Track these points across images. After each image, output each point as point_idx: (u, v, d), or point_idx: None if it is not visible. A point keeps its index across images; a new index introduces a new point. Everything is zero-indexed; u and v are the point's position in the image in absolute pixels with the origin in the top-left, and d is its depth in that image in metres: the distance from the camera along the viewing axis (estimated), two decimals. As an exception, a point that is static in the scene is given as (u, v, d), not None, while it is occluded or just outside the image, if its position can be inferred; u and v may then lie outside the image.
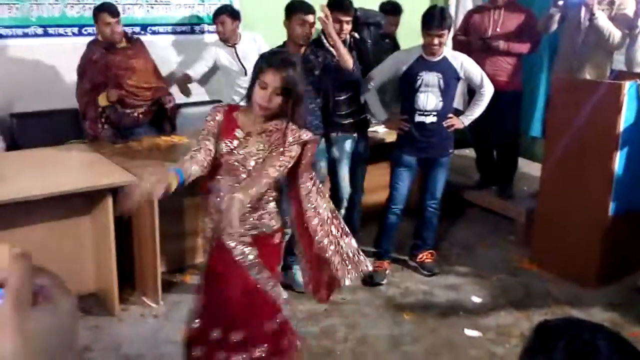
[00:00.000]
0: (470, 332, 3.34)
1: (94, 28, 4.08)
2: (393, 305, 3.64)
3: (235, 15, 4.52)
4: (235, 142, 2.32)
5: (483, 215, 4.84)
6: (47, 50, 4.31)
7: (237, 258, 2.37)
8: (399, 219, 3.95)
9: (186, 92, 4.55)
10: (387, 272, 3.94)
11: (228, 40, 4.54)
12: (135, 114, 4.12)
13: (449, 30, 3.70)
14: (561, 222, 3.92)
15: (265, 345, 2.43)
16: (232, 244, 2.37)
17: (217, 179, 2.37)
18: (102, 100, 3.97)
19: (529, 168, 4.90)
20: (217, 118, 2.35)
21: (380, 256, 3.98)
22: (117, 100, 3.99)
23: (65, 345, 0.61)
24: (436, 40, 3.57)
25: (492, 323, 3.42)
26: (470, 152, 5.16)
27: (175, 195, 3.68)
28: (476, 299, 3.72)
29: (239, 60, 4.52)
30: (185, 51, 4.85)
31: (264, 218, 2.39)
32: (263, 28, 4.71)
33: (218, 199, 2.36)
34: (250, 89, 2.31)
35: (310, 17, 3.51)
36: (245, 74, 4.43)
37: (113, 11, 3.97)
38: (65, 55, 4.29)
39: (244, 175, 2.31)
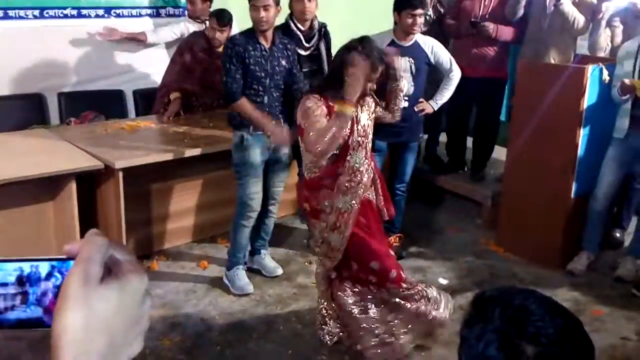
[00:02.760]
0: (436, 313, 3.38)
1: (55, 11, 4.00)
2: (361, 288, 3.66)
3: None
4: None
5: (451, 199, 4.90)
6: (8, 33, 4.20)
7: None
8: (367, 203, 3.97)
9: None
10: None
11: (198, 17, 4.54)
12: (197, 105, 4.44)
13: (426, 8, 3.73)
14: (525, 205, 3.99)
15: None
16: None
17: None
18: (172, 95, 4.22)
19: (495, 152, 4.96)
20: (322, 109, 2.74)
21: (349, 240, 4.00)
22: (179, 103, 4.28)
23: (131, 324, 0.59)
24: (418, 20, 3.58)
25: (458, 304, 3.45)
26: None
27: (142, 181, 3.68)
28: (443, 281, 3.77)
29: (208, 39, 4.48)
30: (149, 35, 4.77)
31: None
32: (237, 9, 4.66)
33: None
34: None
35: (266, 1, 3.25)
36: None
37: (223, 20, 4.11)
38: (26, 39, 4.19)
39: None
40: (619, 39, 4.23)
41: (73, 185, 3.18)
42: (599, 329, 3.26)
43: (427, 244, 4.26)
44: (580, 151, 3.74)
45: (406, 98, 3.71)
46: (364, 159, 2.84)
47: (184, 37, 4.48)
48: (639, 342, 3.17)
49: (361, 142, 2.81)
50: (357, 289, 2.93)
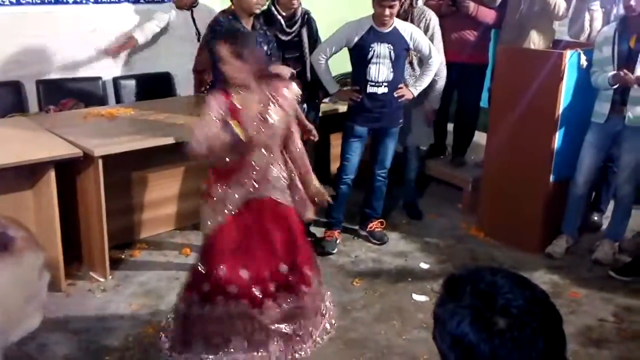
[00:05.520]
0: (418, 297, 3.43)
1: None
2: (344, 273, 3.69)
3: None
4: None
5: (432, 184, 4.94)
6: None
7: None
8: (350, 189, 3.99)
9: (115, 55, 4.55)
10: (337, 241, 3.98)
11: (184, 6, 4.48)
12: None
13: (400, 0, 3.72)
14: (505, 190, 4.03)
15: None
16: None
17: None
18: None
19: (476, 137, 4.99)
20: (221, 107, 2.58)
21: (331, 226, 4.02)
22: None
23: (27, 297, 0.60)
24: (387, 12, 3.58)
25: (438, 288, 3.50)
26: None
27: (122, 169, 3.66)
28: (424, 266, 3.80)
29: (195, 25, 4.45)
30: (129, 22, 4.72)
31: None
32: None
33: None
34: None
35: None
36: (199, 39, 4.36)
37: None
38: (3, 25, 4.13)
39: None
40: (597, 23, 4.26)
41: (52, 174, 3.15)
42: (577, 311, 3.32)
43: (408, 229, 4.29)
44: (558, 136, 3.78)
45: (385, 84, 3.73)
46: (271, 156, 2.71)
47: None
48: (615, 324, 3.23)
49: (267, 140, 2.66)
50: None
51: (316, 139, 3.64)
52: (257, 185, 2.70)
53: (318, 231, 4.09)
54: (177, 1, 4.50)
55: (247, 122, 2.59)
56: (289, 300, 2.79)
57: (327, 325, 3.02)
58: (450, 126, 4.94)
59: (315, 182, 2.94)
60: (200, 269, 2.74)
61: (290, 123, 2.78)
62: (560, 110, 3.73)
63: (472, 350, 0.97)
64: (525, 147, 3.87)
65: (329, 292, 3.14)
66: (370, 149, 4.03)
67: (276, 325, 2.76)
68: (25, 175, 3.25)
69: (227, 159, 2.65)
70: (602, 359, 2.98)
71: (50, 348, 2.87)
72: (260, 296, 2.72)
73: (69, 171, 3.36)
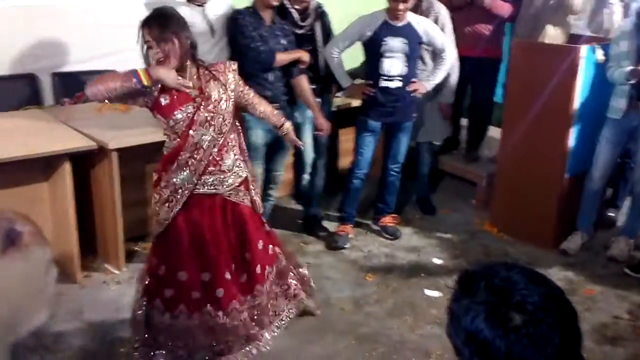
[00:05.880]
0: (430, 293, 3.42)
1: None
2: (356, 268, 3.69)
3: None
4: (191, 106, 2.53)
5: (446, 179, 4.92)
6: (0, 13, 4.15)
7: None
8: (363, 184, 3.98)
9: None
10: (350, 236, 3.98)
11: (195, 1, 4.46)
12: None
13: None
14: (520, 185, 4.00)
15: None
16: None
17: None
18: None
19: (490, 132, 4.96)
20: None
21: (344, 220, 4.02)
22: None
23: (35, 292, 0.60)
24: (401, 6, 3.56)
25: (452, 284, 3.49)
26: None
27: (137, 161, 3.67)
28: (437, 261, 3.79)
29: (208, 19, 4.43)
30: (145, 14, 4.73)
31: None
32: None
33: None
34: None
35: None
36: (213, 35, 4.36)
37: None
38: (18, 18, 4.15)
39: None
40: (617, 17, 4.20)
41: (67, 166, 3.18)
42: (592, 308, 3.30)
43: (421, 224, 4.28)
44: (573, 131, 3.75)
45: (399, 78, 3.71)
46: (219, 138, 2.56)
47: None
48: (630, 321, 3.21)
49: (209, 118, 2.53)
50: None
51: (327, 134, 3.65)
52: (202, 168, 2.54)
53: (331, 226, 4.09)
54: None
55: (181, 100, 2.52)
56: (248, 299, 2.73)
57: (302, 296, 3.00)
58: (464, 121, 4.92)
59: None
60: (159, 272, 2.64)
61: (242, 95, 2.71)
62: (576, 105, 3.69)
63: (487, 346, 0.97)
64: (540, 142, 3.84)
65: (299, 270, 3.07)
66: (383, 143, 4.02)
67: (242, 325, 2.68)
68: (41, 167, 3.28)
69: (173, 144, 2.57)
70: (617, 356, 2.96)
71: (65, 339, 2.90)
72: (224, 298, 2.63)
73: (84, 164, 3.39)
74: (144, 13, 4.63)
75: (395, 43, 3.65)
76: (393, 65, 3.68)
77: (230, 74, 2.64)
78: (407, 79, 3.73)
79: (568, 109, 3.69)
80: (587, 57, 3.63)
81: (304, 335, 3.01)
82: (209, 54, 4.23)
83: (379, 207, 4.13)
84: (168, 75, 2.47)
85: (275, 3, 3.37)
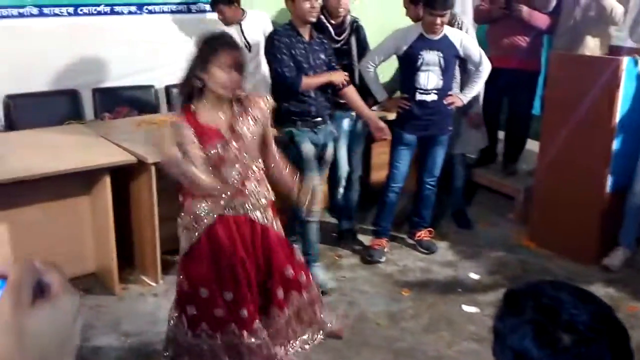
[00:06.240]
0: (468, 308, 3.37)
1: (89, 8, 4.06)
2: (392, 282, 3.66)
3: (230, 0, 4.48)
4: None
5: (482, 193, 4.85)
6: (43, 30, 4.28)
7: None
8: (398, 197, 3.96)
9: None
10: (385, 250, 3.96)
11: (232, 23, 4.53)
12: None
13: (452, 9, 3.69)
14: (559, 200, 3.93)
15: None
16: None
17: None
18: None
19: (528, 145, 4.89)
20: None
21: (379, 234, 4.00)
22: None
23: (61, 345, 0.62)
24: (439, 20, 3.55)
25: (489, 299, 3.44)
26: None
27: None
28: (474, 276, 3.74)
29: (244, 37, 4.50)
30: (182, 31, 4.82)
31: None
32: (262, 8, 4.68)
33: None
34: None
35: None
36: (250, 50, 4.41)
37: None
38: (61, 36, 4.27)
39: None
40: None
41: (107, 180, 3.23)
42: (635, 326, 3.20)
43: (457, 239, 4.23)
44: (615, 145, 3.67)
45: (435, 91, 3.69)
46: (245, 171, 2.53)
47: None
48: (676, 340, 3.10)
49: (238, 154, 2.48)
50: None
51: (389, 137, 3.62)
52: (230, 200, 2.53)
53: (365, 239, 4.07)
54: (224, 20, 4.50)
55: (212, 137, 2.45)
56: (264, 320, 2.70)
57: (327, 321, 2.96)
58: (501, 134, 4.86)
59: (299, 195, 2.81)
60: (184, 288, 2.65)
61: (266, 135, 2.63)
62: (618, 118, 3.61)
63: None
64: (580, 155, 3.76)
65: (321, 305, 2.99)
66: (419, 157, 3.99)
67: (264, 344, 2.65)
68: (82, 181, 3.35)
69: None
70: (663, 376, 2.86)
71: (103, 350, 2.94)
72: (248, 317, 2.60)
73: (123, 177, 3.45)
74: (179, 31, 4.79)
75: (431, 56, 3.64)
76: (429, 78, 3.66)
77: (266, 109, 2.59)
78: (443, 92, 3.71)
79: (609, 122, 3.61)
80: (628, 69, 3.56)
81: (340, 351, 2.99)
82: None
83: (414, 220, 4.10)
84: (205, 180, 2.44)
85: (313, 19, 3.38)
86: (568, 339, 0.93)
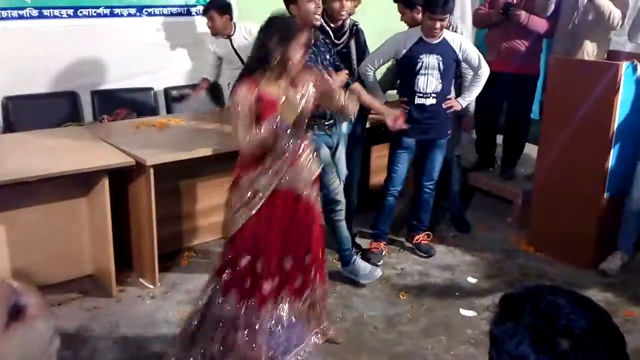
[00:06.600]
0: (465, 312, 3.36)
1: (89, 10, 4.07)
2: (389, 286, 3.65)
3: (223, 8, 4.46)
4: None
5: (481, 197, 4.86)
6: (43, 32, 4.28)
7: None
8: (396, 201, 3.96)
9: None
10: (383, 253, 3.96)
11: (220, 33, 4.52)
12: None
13: (451, 13, 3.69)
14: (557, 204, 3.93)
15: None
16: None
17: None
18: None
19: (526, 149, 4.90)
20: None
21: (377, 237, 4.00)
22: None
23: None
24: (438, 24, 3.55)
25: (487, 303, 3.44)
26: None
27: (172, 178, 3.72)
28: (472, 280, 3.74)
29: (235, 50, 4.51)
30: (181, 34, 4.83)
31: None
32: (260, 19, 4.69)
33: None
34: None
35: None
36: (243, 63, 4.43)
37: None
38: (60, 38, 4.27)
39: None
40: None
41: (106, 182, 3.23)
42: (632, 331, 3.20)
43: (455, 242, 4.23)
44: (613, 149, 3.67)
45: (434, 95, 3.70)
46: (298, 138, 2.68)
47: None
48: (673, 345, 3.10)
49: (296, 121, 2.62)
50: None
51: (406, 126, 3.55)
52: (285, 169, 2.64)
53: (363, 242, 4.07)
54: (213, 28, 4.50)
55: (271, 106, 2.57)
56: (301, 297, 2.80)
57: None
58: (499, 138, 4.86)
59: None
60: (227, 256, 2.75)
61: (325, 91, 2.77)
62: (616, 124, 3.62)
63: None
64: (579, 160, 3.77)
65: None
66: (417, 160, 4.00)
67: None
68: (80, 183, 3.34)
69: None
70: (660, 382, 2.86)
71: (101, 352, 2.93)
72: (267, 294, 2.69)
73: (121, 179, 3.45)
74: (178, 33, 4.80)
75: (430, 60, 3.64)
76: (428, 82, 3.67)
77: (310, 79, 2.71)
78: (442, 96, 3.72)
79: (608, 126, 3.62)
80: (626, 74, 3.57)
81: (338, 355, 2.98)
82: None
83: (412, 224, 4.10)
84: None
85: (318, 22, 3.38)
86: (566, 343, 0.93)
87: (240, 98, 2.55)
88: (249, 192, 2.65)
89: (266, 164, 2.63)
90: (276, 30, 2.58)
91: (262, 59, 2.58)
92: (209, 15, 4.43)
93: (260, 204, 2.64)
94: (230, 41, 4.51)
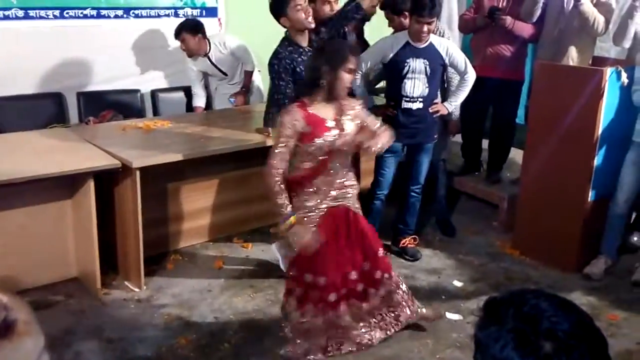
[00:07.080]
0: (451, 316, 3.38)
1: (75, 11, 4.05)
2: (376, 289, 3.66)
3: (195, 29, 4.45)
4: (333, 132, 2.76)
5: (467, 201, 4.88)
6: (29, 32, 4.25)
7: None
8: (383, 205, 3.97)
9: None
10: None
11: (196, 54, 4.52)
12: None
13: (438, 17, 3.71)
14: (542, 208, 3.96)
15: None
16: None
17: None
18: None
19: (512, 154, 4.94)
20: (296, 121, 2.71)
21: (364, 241, 4.00)
22: None
23: None
24: (425, 28, 3.57)
25: (473, 307, 3.45)
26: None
27: (158, 180, 3.71)
28: (458, 284, 3.75)
29: (215, 66, 4.52)
30: (168, 35, 4.82)
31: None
32: (248, 34, 4.71)
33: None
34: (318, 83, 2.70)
35: None
36: (226, 75, 4.48)
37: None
38: (46, 38, 4.25)
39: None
40: None
41: (91, 184, 3.21)
42: (615, 334, 3.23)
43: (441, 246, 4.25)
44: (598, 154, 3.71)
45: (420, 99, 3.72)
46: (345, 164, 2.87)
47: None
48: (656, 348, 3.14)
49: (342, 147, 2.79)
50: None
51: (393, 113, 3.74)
52: (334, 193, 2.82)
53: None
54: (187, 50, 4.50)
55: (320, 126, 2.71)
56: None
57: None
58: (485, 143, 4.89)
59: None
60: (293, 273, 2.93)
61: (366, 125, 2.89)
62: (601, 129, 3.66)
63: None
64: (563, 165, 3.80)
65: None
66: (404, 164, 4.01)
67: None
68: (65, 185, 3.32)
69: (305, 166, 2.78)
70: (643, 384, 2.89)
71: (85, 356, 2.91)
72: (334, 301, 2.88)
73: (107, 181, 3.43)
74: (165, 36, 4.79)
75: (417, 64, 3.66)
76: (415, 86, 3.69)
77: (358, 107, 2.87)
78: (428, 100, 3.74)
79: (592, 132, 3.66)
80: (611, 80, 3.61)
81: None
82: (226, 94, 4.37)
83: (399, 228, 4.11)
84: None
85: (311, 25, 3.40)
86: (549, 346, 0.94)
87: (288, 119, 2.69)
88: (303, 212, 2.80)
89: (315, 184, 2.80)
90: (327, 54, 2.73)
91: (312, 82, 2.72)
92: (181, 37, 4.42)
93: (315, 221, 2.79)
94: (209, 58, 4.52)
